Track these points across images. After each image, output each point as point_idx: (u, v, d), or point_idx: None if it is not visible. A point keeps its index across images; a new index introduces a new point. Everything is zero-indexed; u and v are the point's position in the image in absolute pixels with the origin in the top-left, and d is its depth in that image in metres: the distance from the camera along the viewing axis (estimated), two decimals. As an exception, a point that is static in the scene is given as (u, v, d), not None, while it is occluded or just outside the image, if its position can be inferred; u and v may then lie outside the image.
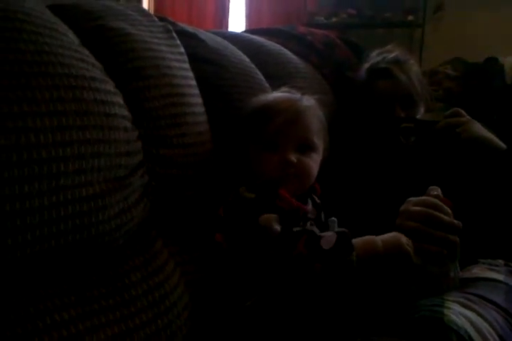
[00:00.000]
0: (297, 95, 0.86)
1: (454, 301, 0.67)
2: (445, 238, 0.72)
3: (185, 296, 0.67)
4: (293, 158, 0.77)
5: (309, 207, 0.81)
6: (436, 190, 0.78)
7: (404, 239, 0.68)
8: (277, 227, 0.67)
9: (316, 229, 0.74)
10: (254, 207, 0.70)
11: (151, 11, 1.82)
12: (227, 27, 2.16)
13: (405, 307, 0.67)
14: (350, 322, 0.68)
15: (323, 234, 0.68)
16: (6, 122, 0.47)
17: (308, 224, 0.78)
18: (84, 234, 0.55)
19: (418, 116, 1.16)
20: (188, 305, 0.67)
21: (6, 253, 0.47)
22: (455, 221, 0.74)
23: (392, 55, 1.23)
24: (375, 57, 1.26)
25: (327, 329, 0.67)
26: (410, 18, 2.89)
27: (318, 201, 0.84)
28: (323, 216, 0.83)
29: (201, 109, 0.82)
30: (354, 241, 0.66)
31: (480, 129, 1.06)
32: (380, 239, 0.68)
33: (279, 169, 0.77)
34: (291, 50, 1.26)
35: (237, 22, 2.35)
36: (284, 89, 0.90)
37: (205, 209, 0.79)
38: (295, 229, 0.68)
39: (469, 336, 0.59)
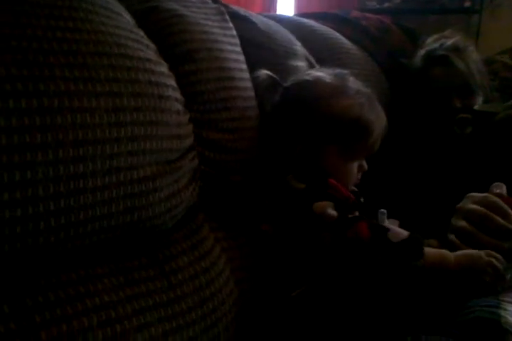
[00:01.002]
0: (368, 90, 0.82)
1: (510, 302, 0.64)
2: (496, 245, 0.69)
3: (230, 282, 0.66)
4: (366, 165, 0.79)
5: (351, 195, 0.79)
6: (501, 188, 0.75)
7: (483, 261, 0.65)
8: (334, 213, 0.66)
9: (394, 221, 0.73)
10: (305, 196, 0.69)
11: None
12: (275, 10, 2.12)
13: (458, 306, 0.64)
14: (400, 319, 0.66)
15: (390, 226, 0.67)
16: (63, 101, 0.47)
17: (357, 213, 0.76)
18: (135, 216, 0.54)
19: (476, 107, 1.11)
20: (233, 291, 0.66)
21: (60, 232, 0.47)
22: (510, 226, 0.70)
23: (451, 41, 1.18)
24: (432, 43, 1.21)
25: (376, 324, 0.66)
26: (467, 4, 2.76)
27: (355, 189, 0.82)
28: (362, 200, 0.81)
29: (251, 93, 0.80)
30: (426, 249, 0.65)
31: None
32: (454, 256, 0.66)
33: (358, 178, 0.79)
34: (344, 35, 1.23)
35: (285, 5, 2.30)
36: (339, 71, 0.83)
37: (252, 196, 0.78)
38: (350, 216, 0.67)
39: (527, 339, 0.56)
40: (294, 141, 0.76)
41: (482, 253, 0.65)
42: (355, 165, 0.77)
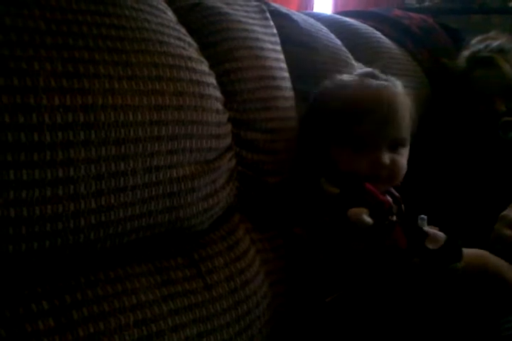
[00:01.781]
0: (385, 83, 0.78)
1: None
2: None
3: (264, 285, 0.65)
4: (386, 159, 0.72)
5: (390, 200, 0.77)
6: None
7: None
8: (369, 220, 0.64)
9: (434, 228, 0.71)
10: (340, 202, 0.67)
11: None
12: (312, 8, 2.10)
13: (491, 321, 0.62)
14: (433, 329, 0.64)
15: (429, 230, 0.65)
16: (107, 99, 0.47)
17: (394, 218, 0.74)
18: (173, 215, 0.54)
19: (521, 110, 1.07)
20: (267, 294, 0.65)
21: (100, 230, 0.47)
22: None
23: (496, 42, 1.14)
24: (476, 44, 1.17)
25: (409, 333, 0.64)
26: (511, 4, 2.68)
27: (396, 194, 0.79)
28: (403, 209, 0.79)
29: (290, 93, 0.79)
30: (466, 250, 0.64)
31: None
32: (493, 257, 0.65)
33: (370, 170, 0.72)
34: (385, 34, 1.21)
35: (323, 3, 2.28)
36: (367, 69, 0.84)
37: (288, 198, 0.76)
38: (386, 223, 0.65)
39: None
40: (324, 144, 0.76)
41: None
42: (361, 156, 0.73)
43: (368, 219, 0.64)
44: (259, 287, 0.64)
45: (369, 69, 0.84)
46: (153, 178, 0.51)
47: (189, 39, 0.64)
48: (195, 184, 0.56)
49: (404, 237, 0.63)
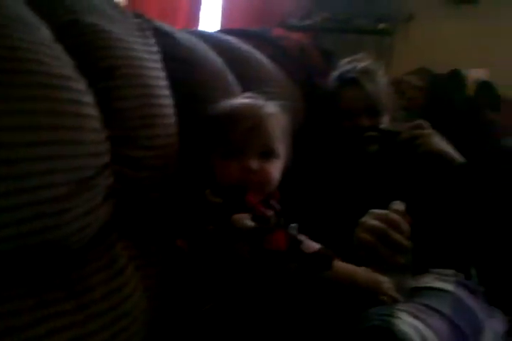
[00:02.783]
0: (260, 102, 0.86)
1: (403, 311, 0.70)
2: (392, 256, 0.76)
3: (143, 300, 0.67)
4: (255, 165, 0.78)
5: (271, 212, 0.82)
6: (399, 206, 0.81)
7: (384, 285, 0.72)
8: (251, 223, 0.69)
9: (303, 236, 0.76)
10: (223, 209, 0.71)
11: (124, 5, 1.79)
12: (200, 25, 2.14)
13: (356, 315, 0.69)
14: (305, 329, 0.70)
15: (304, 238, 0.71)
16: (-25, 121, 0.47)
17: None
18: (48, 236, 0.54)
19: (382, 126, 1.19)
20: (147, 309, 0.67)
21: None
22: (405, 242, 0.78)
23: (362, 64, 1.25)
24: (345, 65, 1.28)
25: (280, 335, 0.69)
26: (381, 26, 2.94)
27: (277, 207, 0.85)
28: (282, 222, 0.85)
29: (171, 111, 0.82)
30: (338, 263, 0.70)
31: (439, 142, 1.10)
32: (362, 273, 0.72)
33: (240, 176, 0.78)
34: (265, 54, 1.27)
35: (210, 20, 2.33)
36: (248, 94, 0.91)
37: (168, 212, 0.79)
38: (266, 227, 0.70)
39: (417, 345, 0.62)
40: (204, 156, 0.81)
41: (385, 279, 0.73)
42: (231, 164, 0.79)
43: (250, 222, 0.69)
44: (138, 303, 0.65)
45: (251, 94, 0.91)
46: (27, 200, 0.51)
47: (66, 57, 0.64)
48: (71, 203, 0.56)
49: (284, 241, 0.68)
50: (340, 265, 0.71)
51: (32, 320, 0.51)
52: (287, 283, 0.69)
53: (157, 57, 0.84)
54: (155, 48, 0.85)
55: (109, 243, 0.67)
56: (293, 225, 0.82)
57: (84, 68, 0.67)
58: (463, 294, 0.87)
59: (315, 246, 0.70)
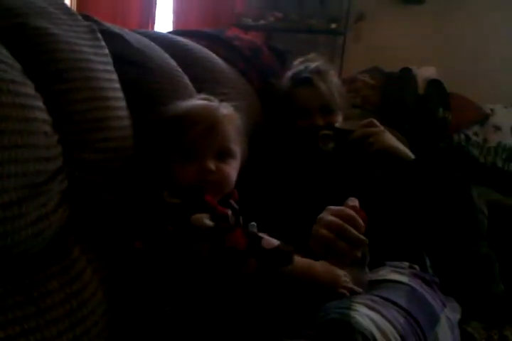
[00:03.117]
0: (214, 103, 0.87)
1: (360, 303, 0.72)
2: (348, 251, 0.79)
3: (103, 303, 0.67)
4: (212, 166, 0.79)
5: (229, 212, 0.83)
6: (355, 202, 0.84)
7: (342, 279, 0.75)
8: (210, 223, 0.69)
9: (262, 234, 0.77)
10: (182, 209, 0.71)
11: (74, 8, 1.75)
12: (153, 25, 2.12)
13: (314, 309, 0.71)
14: (264, 325, 0.71)
15: (263, 235, 0.72)
16: None
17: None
18: (0, 242, 0.53)
19: (336, 124, 1.21)
20: (107, 312, 0.67)
21: None
22: (361, 237, 0.80)
23: (315, 64, 1.27)
24: (298, 65, 1.30)
25: (243, 333, 0.70)
26: (333, 26, 3.01)
27: (236, 206, 0.86)
28: (241, 221, 0.86)
29: (125, 113, 0.81)
30: (296, 258, 0.71)
31: (390, 140, 1.13)
32: (320, 267, 0.74)
33: (198, 177, 0.78)
34: (218, 55, 1.28)
35: (163, 20, 2.31)
36: (202, 96, 0.92)
37: (124, 215, 0.78)
38: (225, 225, 0.71)
39: (374, 337, 0.64)
40: (162, 158, 0.81)
41: (343, 273, 0.76)
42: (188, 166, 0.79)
43: (209, 222, 0.70)
44: (98, 306, 0.65)
45: (205, 95, 0.91)
46: (-25, 206, 0.50)
47: (11, 61, 0.63)
48: (23, 209, 0.56)
49: (244, 240, 0.69)
50: (299, 260, 0.72)
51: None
52: (247, 280, 0.70)
53: (108, 59, 0.84)
54: (105, 51, 0.84)
55: (66, 247, 0.66)
56: (252, 224, 0.83)
57: (31, 72, 0.66)
58: (418, 285, 0.90)
59: (274, 242, 0.71)
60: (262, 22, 2.95)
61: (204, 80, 1.12)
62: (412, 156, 1.12)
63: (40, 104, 0.63)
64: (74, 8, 1.70)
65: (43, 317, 0.57)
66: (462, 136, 2.05)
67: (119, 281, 0.72)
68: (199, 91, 1.02)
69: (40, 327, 0.56)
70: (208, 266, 0.69)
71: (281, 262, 0.70)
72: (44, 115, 0.63)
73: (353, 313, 0.66)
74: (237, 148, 0.85)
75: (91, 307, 0.64)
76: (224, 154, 0.82)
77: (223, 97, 0.93)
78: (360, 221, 0.81)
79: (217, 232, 0.69)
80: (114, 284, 0.71)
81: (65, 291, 0.61)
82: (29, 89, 0.62)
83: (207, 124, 0.80)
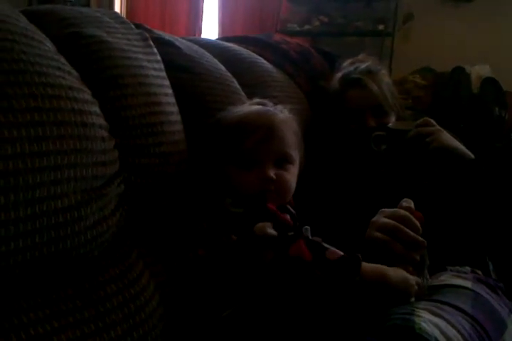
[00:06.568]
0: (271, 108, 0.86)
1: (423, 309, 0.69)
2: (406, 254, 0.75)
3: (160, 308, 0.66)
4: (272, 174, 0.77)
5: (288, 217, 0.82)
6: (409, 203, 0.80)
7: (413, 282, 0.71)
8: (273, 232, 0.68)
9: (317, 239, 0.74)
10: (245, 219, 0.70)
11: (123, 16, 1.81)
12: (200, 32, 2.15)
13: (376, 315, 0.68)
14: (326, 332, 0.69)
15: (326, 245, 0.69)
16: (-18, 133, 0.47)
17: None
18: (60, 246, 0.54)
19: (389, 125, 1.18)
20: (164, 316, 0.66)
21: (-20, 267, 0.46)
22: (420, 238, 0.76)
23: (364, 65, 1.25)
24: (347, 66, 1.28)
25: (302, 339, 0.68)
26: (381, 27, 2.96)
27: (293, 211, 0.84)
28: (299, 227, 0.84)
29: (177, 118, 0.82)
30: (368, 265, 0.68)
31: (448, 139, 1.09)
32: (394, 275, 0.70)
33: (258, 186, 0.77)
34: (266, 59, 1.27)
35: (210, 28, 2.34)
36: (257, 100, 0.91)
37: (182, 219, 0.79)
38: (289, 234, 0.69)
39: (439, 343, 0.61)
40: (220, 166, 0.80)
41: (414, 280, 0.71)
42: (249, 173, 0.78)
43: (272, 231, 0.68)
44: (155, 310, 0.65)
45: (259, 100, 0.90)
46: (37, 210, 0.51)
47: (69, 68, 0.65)
48: (81, 213, 0.56)
49: (308, 250, 0.67)
50: (368, 267, 0.68)
51: (48, 330, 0.51)
52: (312, 290, 0.68)
53: (160, 65, 0.85)
54: (158, 57, 0.86)
55: (124, 251, 0.67)
56: (306, 227, 0.82)
57: (88, 79, 0.68)
58: (482, 290, 0.86)
59: (339, 252, 0.68)
60: (307, 27, 2.94)
61: (253, 85, 1.12)
62: (472, 156, 1.07)
63: (96, 109, 0.64)
64: (124, 17, 1.75)
65: (103, 320, 0.57)
66: (519, 135, 1.97)
67: (176, 286, 0.72)
68: (249, 95, 1.02)
69: (100, 330, 0.56)
70: (270, 274, 0.67)
71: (346, 274, 0.67)
72: (101, 120, 0.64)
73: (416, 319, 0.64)
74: (295, 153, 0.83)
75: (148, 311, 0.64)
76: (283, 160, 0.81)
77: (275, 101, 0.92)
78: (416, 222, 0.78)
79: (282, 241, 0.67)
80: (170, 289, 0.71)
81: (124, 295, 0.61)
82: (86, 95, 0.63)
83: (265, 131, 0.78)
